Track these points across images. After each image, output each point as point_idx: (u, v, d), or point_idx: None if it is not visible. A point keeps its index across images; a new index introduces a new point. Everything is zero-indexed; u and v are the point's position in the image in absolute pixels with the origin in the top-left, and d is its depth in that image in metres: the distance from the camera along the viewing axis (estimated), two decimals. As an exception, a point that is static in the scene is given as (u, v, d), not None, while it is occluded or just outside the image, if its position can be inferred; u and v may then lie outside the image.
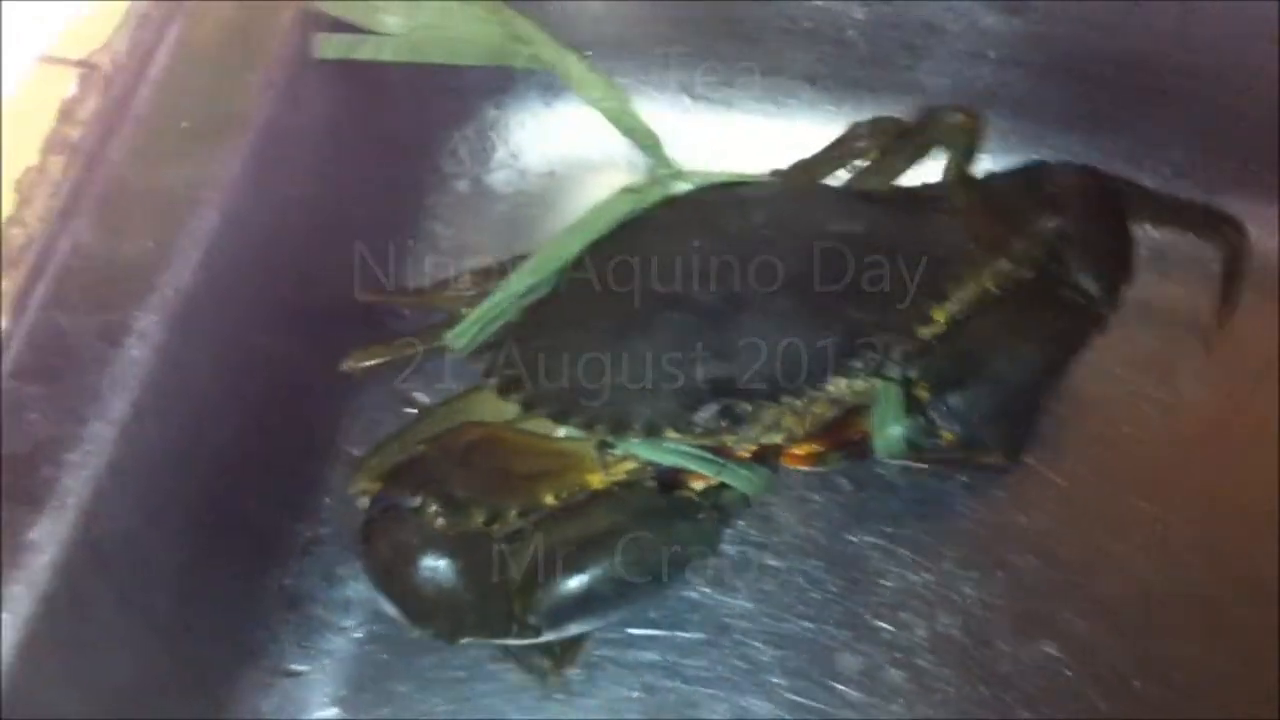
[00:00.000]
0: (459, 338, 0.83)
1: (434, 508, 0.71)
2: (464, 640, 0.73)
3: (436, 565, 0.71)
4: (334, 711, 0.80)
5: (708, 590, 0.83)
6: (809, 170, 0.91)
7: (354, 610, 0.84)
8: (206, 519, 0.76)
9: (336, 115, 0.85)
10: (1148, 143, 0.95)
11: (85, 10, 0.78)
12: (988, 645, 0.82)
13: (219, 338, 0.74)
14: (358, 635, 0.83)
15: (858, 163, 0.92)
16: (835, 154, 0.91)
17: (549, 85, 0.99)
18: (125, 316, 0.68)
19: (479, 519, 0.72)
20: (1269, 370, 0.91)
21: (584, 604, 0.72)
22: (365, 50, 0.83)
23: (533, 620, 0.71)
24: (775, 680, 0.81)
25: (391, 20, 0.83)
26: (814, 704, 0.80)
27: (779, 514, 0.86)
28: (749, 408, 0.75)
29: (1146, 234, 0.91)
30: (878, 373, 0.77)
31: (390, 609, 0.72)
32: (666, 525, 0.74)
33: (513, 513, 0.73)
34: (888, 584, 0.84)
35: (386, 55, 0.84)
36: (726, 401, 0.74)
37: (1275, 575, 0.83)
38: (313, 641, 0.83)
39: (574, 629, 0.74)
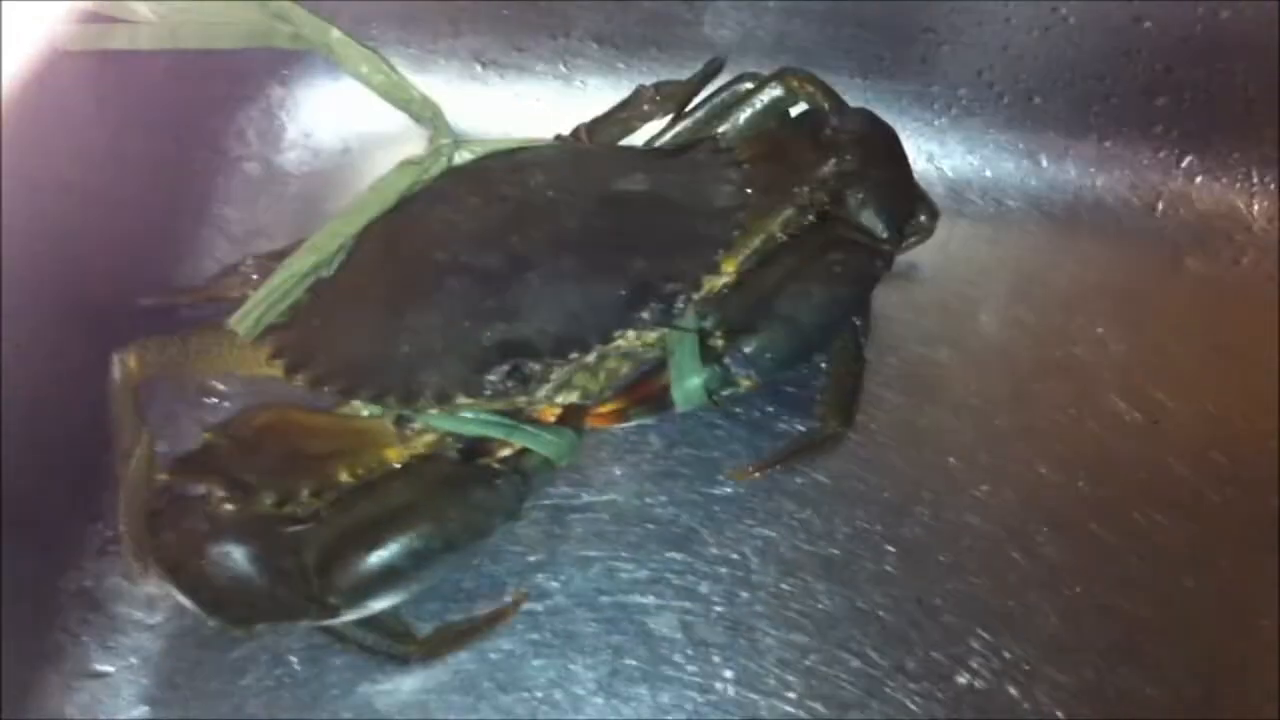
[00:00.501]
0: (242, 321, 0.80)
1: (220, 494, 0.70)
2: (259, 626, 0.72)
3: (225, 551, 0.69)
4: (144, 710, 0.78)
5: (527, 560, 0.83)
6: (594, 133, 0.90)
7: (159, 606, 0.81)
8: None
9: (103, 105, 0.83)
10: (934, 83, 0.96)
11: None
12: (805, 594, 0.82)
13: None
14: (166, 631, 0.81)
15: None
16: (622, 116, 0.90)
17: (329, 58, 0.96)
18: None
19: (268, 502, 0.71)
20: (1078, 304, 0.93)
21: (384, 579, 0.71)
22: (118, 40, 0.80)
23: (333, 600, 0.70)
24: (597, 644, 0.80)
25: (142, 7, 0.80)
26: (635, 663, 0.79)
27: (593, 478, 0.86)
28: (537, 367, 0.74)
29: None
30: (667, 323, 0.76)
31: (183, 600, 0.70)
32: (464, 494, 0.73)
33: (305, 492, 0.72)
34: (704, 541, 0.84)
35: (142, 44, 0.81)
36: (514, 361, 0.73)
37: (1080, 519, 0.85)
38: (117, 640, 0.80)
39: (377, 605, 0.73)
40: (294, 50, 0.92)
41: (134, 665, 0.79)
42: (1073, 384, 0.90)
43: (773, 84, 0.86)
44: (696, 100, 0.89)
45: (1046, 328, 0.92)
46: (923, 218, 0.89)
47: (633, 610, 0.81)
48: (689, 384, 0.77)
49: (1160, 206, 0.97)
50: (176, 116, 0.90)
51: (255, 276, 0.84)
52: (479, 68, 0.99)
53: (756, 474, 0.85)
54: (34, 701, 0.77)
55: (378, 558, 0.70)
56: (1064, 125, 0.97)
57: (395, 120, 0.93)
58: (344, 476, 0.74)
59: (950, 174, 0.98)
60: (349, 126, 0.99)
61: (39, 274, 0.77)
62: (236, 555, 0.69)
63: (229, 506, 0.70)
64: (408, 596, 0.74)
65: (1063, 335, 0.92)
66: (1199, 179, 0.97)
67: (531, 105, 0.98)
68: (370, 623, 0.76)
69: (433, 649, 0.78)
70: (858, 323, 0.84)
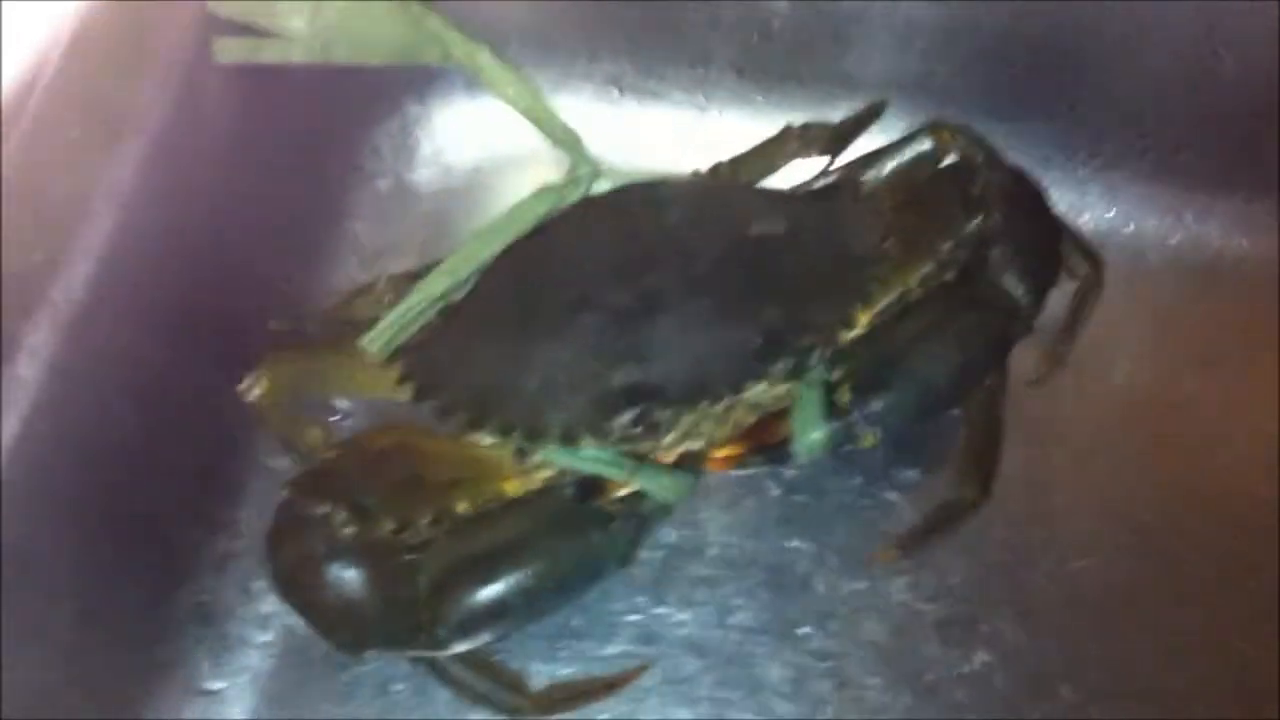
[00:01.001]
0: (374, 342, 0.80)
1: (341, 516, 0.70)
2: (369, 652, 0.71)
3: (342, 575, 0.69)
4: (251, 730, 0.79)
5: (636, 600, 0.82)
6: (735, 170, 0.88)
7: (272, 625, 0.82)
8: (111, 536, 0.74)
9: (242, 116, 0.83)
10: (1079, 129, 0.93)
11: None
12: (915, 652, 0.81)
13: (117, 350, 0.73)
14: (275, 651, 0.82)
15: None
16: (765, 155, 0.88)
17: (474, 79, 0.95)
18: (13, 332, 0.66)
19: (388, 527, 0.71)
20: (1214, 358, 0.91)
21: (492, 615, 0.70)
22: (269, 53, 0.80)
23: (441, 632, 0.70)
24: (701, 692, 0.80)
25: (295, 21, 0.81)
26: (742, 716, 0.79)
27: (706, 521, 0.85)
28: (666, 413, 0.73)
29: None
30: (799, 377, 0.75)
31: (297, 619, 0.71)
32: (578, 535, 0.72)
33: (424, 521, 0.72)
34: (817, 590, 0.83)
35: (294, 57, 0.81)
36: (643, 407, 0.72)
37: (1206, 574, 0.83)
38: (229, 658, 0.81)
39: (483, 639, 0.72)
40: (432, 68, 0.93)
41: (243, 684, 0.80)
42: (1207, 450, 0.88)
43: (922, 137, 0.83)
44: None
45: (1180, 389, 0.90)
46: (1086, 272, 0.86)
47: (742, 658, 0.80)
48: (812, 437, 0.76)
49: (1304, 272, 0.94)
50: (314, 129, 0.91)
51: (388, 298, 0.84)
52: (616, 93, 0.98)
53: (899, 554, 0.82)
54: (144, 716, 0.78)
55: (488, 593, 0.69)
56: (1210, 182, 0.93)
57: (527, 142, 0.92)
58: (461, 506, 0.73)
59: (1090, 225, 0.95)
60: (481, 146, 0.98)
61: (168, 282, 0.78)
62: (354, 579, 0.69)
63: (349, 530, 0.69)
64: (515, 631, 0.73)
65: (1197, 398, 0.89)
66: (1352, 245, 0.93)
67: (666, 133, 0.97)
68: (482, 669, 0.76)
69: (545, 707, 0.77)
70: (991, 384, 0.81)
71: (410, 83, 0.97)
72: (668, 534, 0.84)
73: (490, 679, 0.76)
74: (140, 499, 0.77)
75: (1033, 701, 0.79)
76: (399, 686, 0.80)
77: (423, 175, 0.98)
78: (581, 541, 0.72)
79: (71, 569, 0.71)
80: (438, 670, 0.76)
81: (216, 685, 0.80)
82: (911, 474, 0.86)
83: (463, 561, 0.71)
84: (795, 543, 0.84)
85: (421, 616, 0.69)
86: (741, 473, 0.83)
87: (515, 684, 0.77)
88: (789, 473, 0.86)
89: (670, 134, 0.97)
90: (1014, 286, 0.77)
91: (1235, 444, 0.88)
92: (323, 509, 0.70)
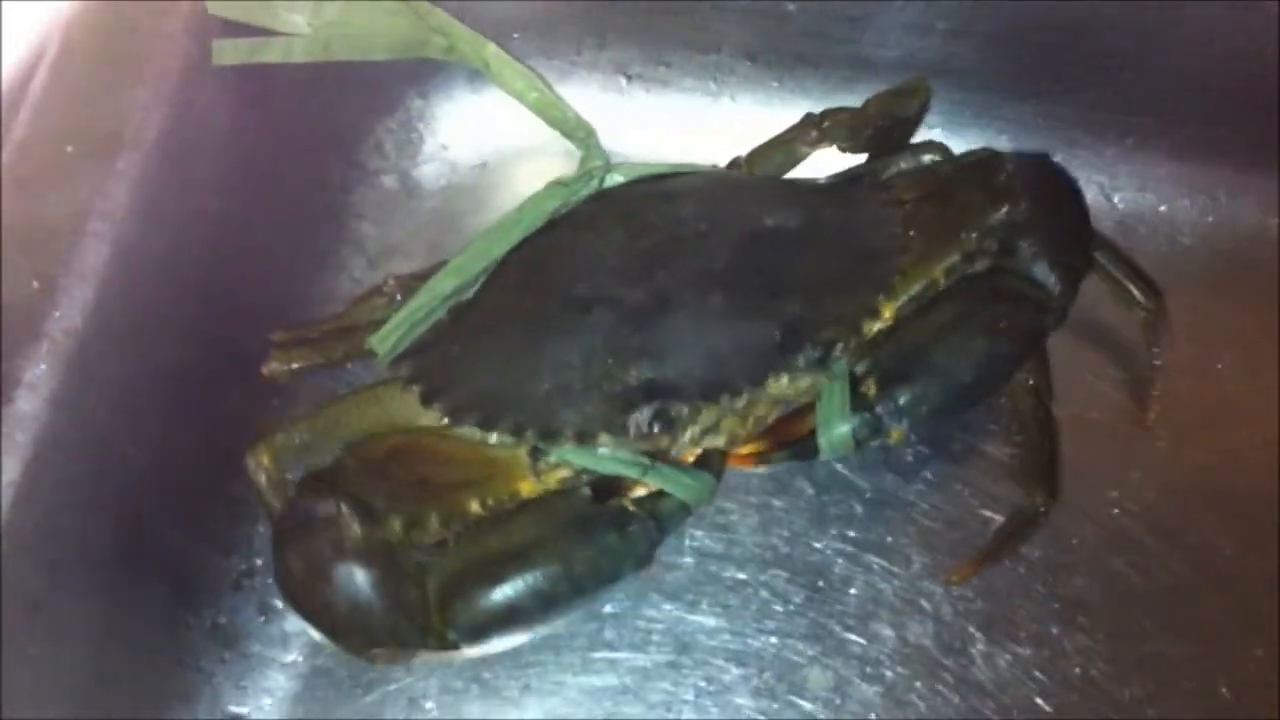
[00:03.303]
0: (382, 342, 0.77)
1: (349, 516, 0.67)
2: (374, 651, 0.69)
3: (350, 576, 0.67)
4: (278, 754, 0.76)
5: (669, 608, 0.80)
6: (754, 163, 0.85)
7: (294, 644, 0.80)
8: (121, 565, 0.72)
9: (241, 120, 0.80)
10: (1107, 110, 0.90)
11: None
12: (960, 653, 0.78)
13: (119, 377, 0.70)
14: (300, 670, 0.79)
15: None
16: (784, 146, 0.86)
17: (477, 71, 0.92)
18: (10, 368, 0.64)
19: (396, 528, 0.68)
20: (1253, 341, 0.88)
21: (505, 618, 0.68)
22: (271, 53, 0.78)
23: (452, 635, 0.67)
24: (740, 701, 0.77)
25: (295, 19, 0.78)
26: (780, 724, 0.76)
27: (738, 523, 0.82)
28: (685, 410, 0.70)
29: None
30: (822, 369, 0.72)
31: (301, 622, 0.68)
32: (595, 537, 0.69)
33: (434, 521, 0.70)
34: (854, 592, 0.80)
35: (296, 56, 0.79)
36: (660, 404, 0.70)
37: (1247, 569, 0.81)
38: (252, 680, 0.79)
39: (495, 644, 0.70)
40: (434, 62, 0.89)
41: (268, 706, 0.78)
42: (1243, 430, 0.85)
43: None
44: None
45: (1219, 372, 0.88)
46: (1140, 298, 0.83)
47: (781, 665, 0.78)
48: (837, 432, 0.73)
49: (1342, 250, 0.91)
50: (314, 128, 0.88)
51: (398, 297, 0.81)
52: (624, 81, 0.94)
53: (973, 573, 0.80)
54: (170, 745, 0.75)
55: (500, 595, 0.67)
56: (1246, 161, 0.91)
57: (534, 135, 0.89)
58: (474, 507, 0.71)
59: (1121, 207, 0.92)
60: (487, 140, 0.95)
61: (170, 300, 0.75)
62: (360, 581, 0.67)
63: (357, 530, 0.67)
64: (529, 637, 0.71)
65: (1237, 379, 0.87)
66: (1388, 223, 0.91)
67: (678, 122, 0.94)
68: None
69: None
70: (1036, 383, 0.79)
71: (411, 77, 0.93)
72: (698, 538, 0.82)
73: None
74: (149, 525, 0.74)
75: (1084, 702, 0.77)
76: (429, 704, 0.78)
77: (427, 171, 0.95)
78: (597, 543, 0.69)
79: (84, 604, 0.69)
80: None
81: (242, 709, 0.77)
82: (943, 469, 0.84)
83: (474, 563, 0.68)
84: (830, 544, 0.82)
85: (432, 619, 0.67)
86: (766, 469, 0.80)
87: None
88: (820, 472, 0.83)
89: (681, 122, 0.94)
90: (1044, 276, 0.74)
91: (1264, 431, 0.85)
92: (330, 509, 0.68)
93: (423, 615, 0.67)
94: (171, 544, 0.76)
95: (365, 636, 0.68)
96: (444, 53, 0.82)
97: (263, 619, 0.80)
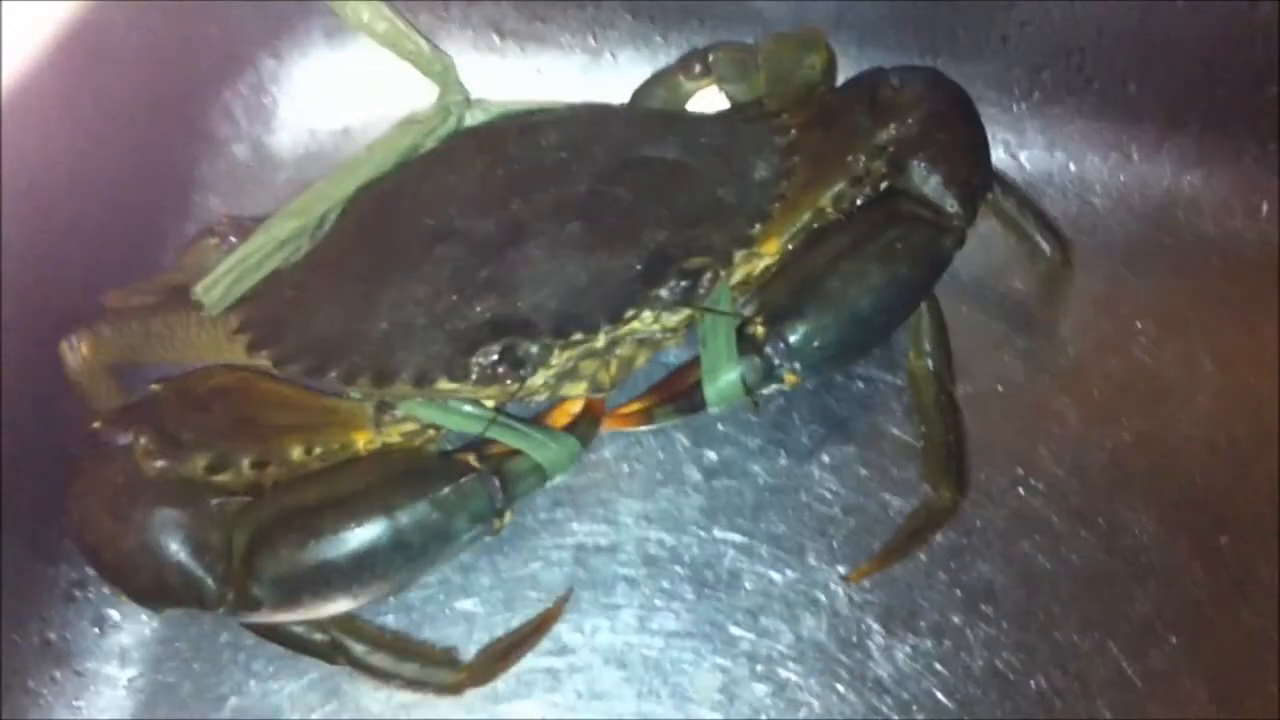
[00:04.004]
0: (209, 290, 0.71)
1: (146, 446, 0.62)
2: (168, 610, 0.65)
3: (140, 511, 0.62)
4: (113, 785, 0.71)
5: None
6: (634, 101, 0.81)
7: (133, 659, 0.74)
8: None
9: (72, 84, 0.73)
10: (1014, 63, 0.85)
11: None
12: (857, 647, 0.74)
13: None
14: (139, 687, 0.74)
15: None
16: (664, 82, 0.81)
17: (337, 26, 0.86)
18: None
19: (200, 464, 0.63)
20: (1170, 307, 0.84)
21: (318, 574, 0.62)
22: None
23: (256, 591, 0.62)
24: (625, 703, 0.73)
25: None
26: (665, 733, 0.72)
27: (621, 514, 0.77)
28: (534, 349, 0.64)
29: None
30: (690, 303, 0.66)
31: (87, 564, 0.64)
32: (422, 487, 0.64)
33: (246, 462, 0.64)
34: (746, 586, 0.75)
35: None
36: (507, 341, 0.63)
37: (1163, 553, 0.77)
38: (87, 699, 0.74)
39: (305, 607, 0.64)
40: (287, 18, 0.85)
41: (103, 730, 0.72)
42: (1164, 405, 0.81)
43: None
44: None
45: (1135, 343, 0.83)
46: (1046, 248, 0.79)
47: (665, 667, 0.74)
48: (724, 379, 0.68)
49: (1265, 209, 0.86)
50: (152, 96, 0.80)
51: (232, 239, 0.76)
52: (497, 39, 0.88)
53: (875, 570, 0.75)
54: (-8, 773, 0.70)
55: (314, 548, 0.62)
56: (1160, 116, 0.85)
57: (402, 97, 0.84)
58: (296, 453, 0.66)
59: (1028, 167, 0.87)
60: (350, 104, 0.88)
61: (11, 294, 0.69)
62: (154, 518, 0.62)
63: (157, 463, 0.62)
64: (351, 604, 0.65)
65: (1153, 352, 0.82)
66: (1311, 178, 0.86)
67: (555, 81, 0.87)
68: (406, 652, 0.70)
69: (481, 674, 0.71)
70: (936, 368, 0.74)
71: (263, 36, 0.86)
72: (577, 531, 0.77)
73: (417, 660, 0.70)
74: None
75: (988, 695, 0.73)
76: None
77: (283, 139, 0.88)
78: (428, 496, 0.64)
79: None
80: (356, 663, 0.69)
81: (72, 733, 0.72)
82: (842, 451, 0.79)
83: (288, 511, 0.63)
84: (720, 533, 0.77)
85: (234, 568, 0.62)
86: (649, 428, 0.74)
87: (444, 659, 0.71)
88: (709, 457, 0.78)
89: (559, 82, 0.88)
90: (939, 195, 0.70)
91: (1193, 402, 0.81)
92: (127, 437, 0.63)
93: (223, 563, 0.62)
94: None
95: (157, 584, 0.62)
96: None
97: (97, 632, 0.74)
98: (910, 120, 0.71)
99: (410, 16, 0.82)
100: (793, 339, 0.67)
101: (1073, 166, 0.87)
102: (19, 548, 0.72)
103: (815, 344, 0.67)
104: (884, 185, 0.71)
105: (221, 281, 0.71)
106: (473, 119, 0.78)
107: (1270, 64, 0.81)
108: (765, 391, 0.69)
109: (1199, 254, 0.86)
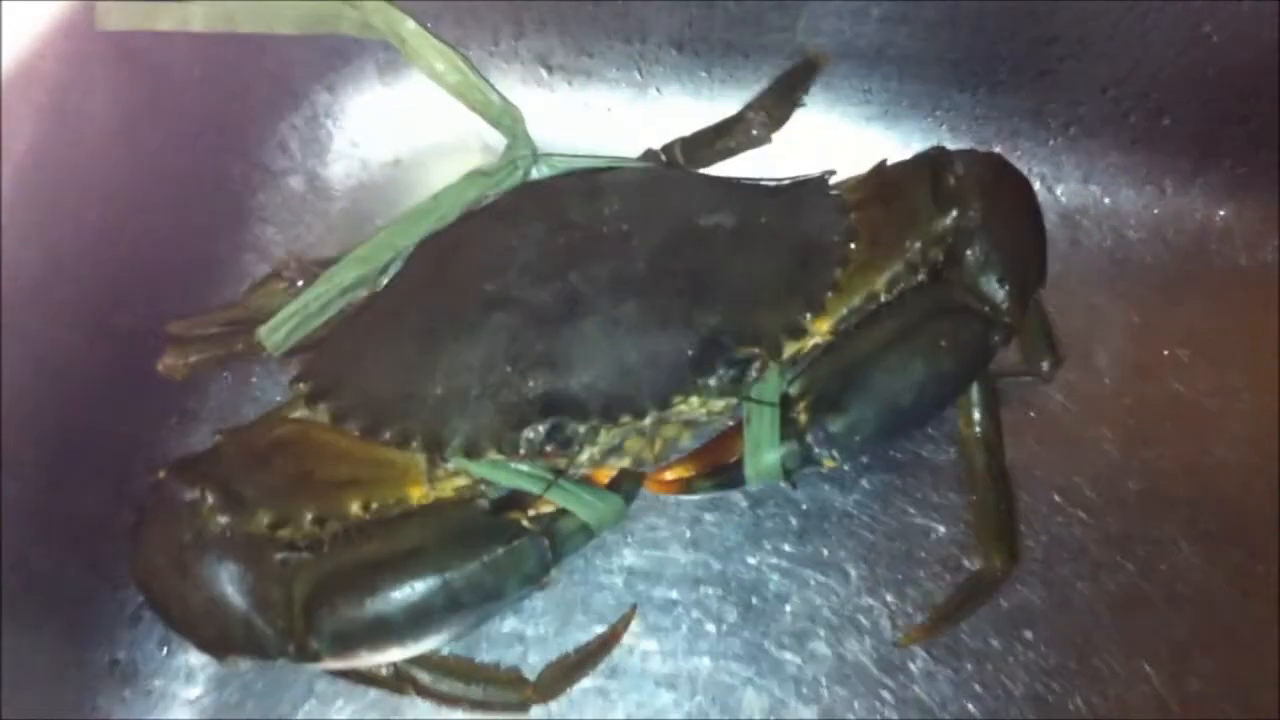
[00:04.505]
0: (271, 334, 0.74)
1: (213, 504, 0.65)
2: (234, 658, 0.66)
3: (208, 568, 0.64)
4: (180, 806, 0.73)
5: (597, 630, 0.76)
6: (689, 152, 0.82)
7: (199, 678, 0.77)
8: (12, 604, 0.67)
9: (132, 123, 0.75)
10: (1050, 99, 0.87)
11: None
12: (900, 670, 0.76)
13: (10, 400, 0.66)
14: (205, 705, 0.76)
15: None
16: (722, 137, 0.82)
17: (389, 61, 0.89)
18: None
19: (264, 521, 0.65)
20: (1202, 337, 0.86)
21: (374, 630, 0.65)
22: (165, 20, 0.73)
23: (315, 644, 0.64)
24: None
25: None
26: (716, 755, 0.74)
27: (669, 540, 0.79)
28: (581, 429, 0.66)
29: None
30: (735, 393, 0.68)
31: (153, 612, 0.66)
32: (478, 550, 0.66)
33: (307, 518, 0.66)
34: (790, 609, 0.77)
35: (195, 25, 0.75)
36: (556, 420, 0.66)
37: (1202, 577, 0.79)
38: (155, 717, 0.75)
39: (361, 658, 0.66)
40: (342, 52, 0.86)
41: (174, 744, 0.75)
42: (1201, 432, 0.83)
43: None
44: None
45: (1169, 373, 0.85)
46: (1045, 365, 0.79)
47: (715, 688, 0.76)
48: (765, 460, 0.69)
49: (1298, 241, 0.88)
50: (212, 128, 0.83)
51: (299, 284, 0.77)
52: (545, 73, 0.90)
53: (927, 637, 0.76)
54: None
55: (370, 605, 0.64)
56: (1194, 150, 0.87)
57: (453, 130, 0.87)
58: (354, 508, 0.68)
59: (1064, 200, 0.89)
60: (401, 136, 0.91)
61: (50, 329, 0.71)
62: (219, 574, 0.64)
63: (221, 519, 0.65)
64: (404, 655, 0.68)
65: (1185, 378, 0.85)
66: (1343, 211, 0.88)
67: (602, 115, 0.90)
68: (473, 675, 0.72)
69: (548, 690, 0.73)
70: (985, 434, 0.75)
71: (318, 70, 0.88)
72: (627, 556, 0.79)
73: (483, 682, 0.72)
74: (34, 560, 0.70)
75: (1028, 718, 0.75)
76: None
77: (336, 171, 0.91)
78: (480, 557, 0.66)
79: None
80: (424, 692, 0.71)
81: (146, 748, 0.74)
82: (882, 479, 0.81)
83: (346, 568, 0.65)
84: (765, 559, 0.79)
85: (295, 624, 0.64)
86: (687, 497, 0.76)
87: (511, 680, 0.73)
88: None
89: (606, 116, 0.90)
90: (992, 289, 0.70)
91: (1229, 430, 0.83)
92: (194, 495, 0.65)
93: (285, 618, 0.64)
94: (61, 578, 0.72)
95: (221, 636, 0.65)
96: (357, 29, 0.78)
97: (164, 652, 0.76)
98: (971, 211, 0.71)
99: (460, 48, 0.84)
100: (833, 429, 0.68)
101: (1108, 200, 0.89)
102: (83, 572, 0.74)
103: (856, 436, 0.68)
104: (938, 270, 0.72)
105: (284, 325, 0.74)
106: (538, 173, 0.79)
107: (1304, 100, 0.83)
108: (804, 472, 0.70)
109: (1232, 285, 0.88)
